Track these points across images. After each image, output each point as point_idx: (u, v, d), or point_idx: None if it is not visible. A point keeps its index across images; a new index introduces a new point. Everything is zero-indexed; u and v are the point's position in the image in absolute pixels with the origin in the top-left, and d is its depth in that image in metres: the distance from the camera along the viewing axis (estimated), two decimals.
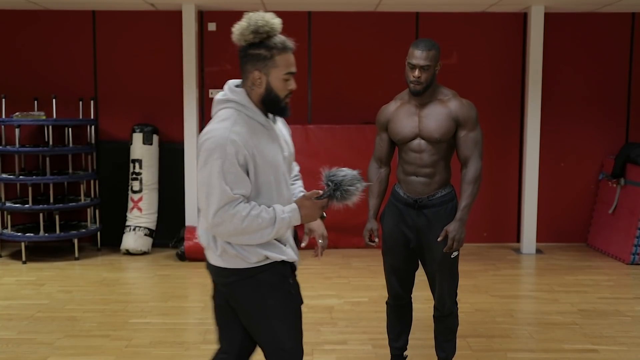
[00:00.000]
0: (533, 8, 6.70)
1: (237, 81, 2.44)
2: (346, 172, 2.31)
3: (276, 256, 2.40)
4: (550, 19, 6.96)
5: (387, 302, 3.66)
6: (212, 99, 7.09)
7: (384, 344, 4.22)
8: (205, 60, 7.08)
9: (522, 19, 7.08)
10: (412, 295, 3.64)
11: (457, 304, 3.53)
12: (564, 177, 7.25)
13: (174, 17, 6.95)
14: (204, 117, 7.09)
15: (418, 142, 3.30)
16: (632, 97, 7.19)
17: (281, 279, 2.45)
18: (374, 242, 3.48)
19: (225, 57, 7.06)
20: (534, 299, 5.35)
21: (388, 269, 3.52)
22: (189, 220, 6.82)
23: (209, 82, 7.11)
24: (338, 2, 6.68)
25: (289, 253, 2.46)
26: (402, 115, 3.34)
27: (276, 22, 2.35)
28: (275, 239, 2.40)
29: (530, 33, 6.78)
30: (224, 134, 2.25)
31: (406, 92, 3.41)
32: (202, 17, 7.01)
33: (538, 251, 6.89)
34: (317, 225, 2.58)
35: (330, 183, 2.29)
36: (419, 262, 3.51)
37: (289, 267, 2.49)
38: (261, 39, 2.33)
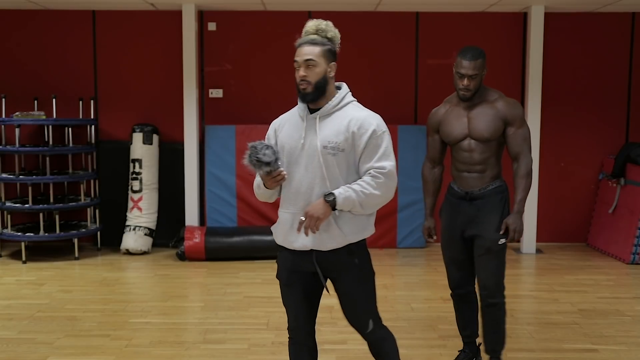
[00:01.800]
0: (533, 8, 6.71)
1: None
2: (255, 143, 2.68)
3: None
4: (550, 19, 6.96)
5: (450, 295, 3.78)
6: (212, 99, 7.17)
7: None
8: (205, 60, 7.08)
9: (522, 19, 7.08)
10: (474, 286, 3.70)
11: (504, 296, 3.57)
12: (564, 177, 7.25)
13: (174, 17, 6.95)
14: (204, 117, 7.10)
15: (468, 142, 3.50)
16: (632, 97, 7.19)
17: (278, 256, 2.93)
18: (432, 238, 3.70)
19: (225, 57, 7.07)
20: (534, 299, 5.35)
21: (447, 260, 3.69)
22: (189, 220, 6.83)
23: (209, 82, 7.11)
24: (338, 2, 6.68)
25: (276, 235, 2.89)
26: (452, 118, 3.54)
27: (309, 24, 2.78)
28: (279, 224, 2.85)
29: (530, 33, 6.78)
30: None
31: (454, 95, 3.60)
32: (202, 17, 7.01)
33: (538, 251, 6.89)
34: (312, 205, 2.70)
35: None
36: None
37: (281, 247, 2.87)
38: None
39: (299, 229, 2.69)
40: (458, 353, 3.84)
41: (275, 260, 3.01)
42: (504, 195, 3.51)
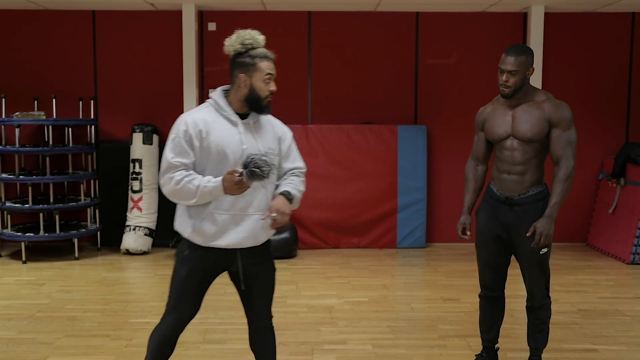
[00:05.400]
0: (533, 8, 6.71)
1: (227, 86, 2.96)
2: (255, 156, 2.70)
3: (186, 234, 2.92)
4: (550, 18, 6.96)
5: (479, 295, 3.76)
6: None
7: (384, 343, 4.23)
8: (205, 60, 7.08)
9: (522, 18, 7.08)
10: (504, 290, 3.71)
11: (549, 297, 3.61)
12: None
13: (174, 17, 6.95)
14: None
15: (511, 142, 3.46)
16: (632, 97, 7.19)
17: (183, 250, 2.95)
18: (466, 235, 3.65)
19: (225, 57, 7.04)
20: None
21: (481, 262, 3.66)
22: None
23: (209, 82, 7.10)
24: (338, 2, 6.68)
25: (196, 238, 2.87)
26: (497, 116, 3.54)
27: (260, 37, 2.91)
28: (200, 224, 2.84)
29: (530, 33, 6.78)
30: (183, 117, 2.89)
31: None
32: (202, 17, 7.01)
33: None
34: (278, 203, 2.82)
35: (242, 164, 2.71)
36: (511, 257, 3.64)
37: (200, 248, 2.87)
38: (246, 49, 2.88)
39: (273, 226, 2.81)
40: (475, 358, 3.82)
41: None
42: (545, 203, 3.45)
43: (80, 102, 6.89)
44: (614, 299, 5.26)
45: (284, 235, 6.43)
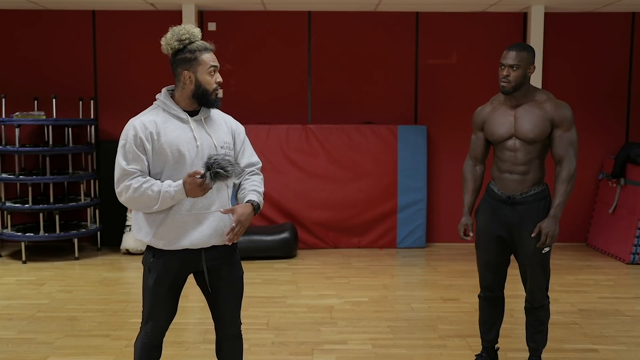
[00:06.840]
0: (533, 8, 6.71)
1: (171, 87, 2.87)
2: (218, 156, 2.66)
3: (147, 240, 2.88)
4: (550, 18, 6.96)
5: (479, 296, 3.75)
6: None
7: (384, 343, 4.23)
8: None
9: (522, 18, 7.08)
10: (504, 290, 3.71)
11: (548, 297, 3.61)
12: None
13: (174, 17, 6.95)
14: None
15: (513, 142, 3.44)
16: (632, 97, 7.19)
17: (149, 258, 2.92)
18: (468, 236, 3.63)
19: (225, 57, 7.06)
20: None
21: (481, 262, 3.65)
22: None
23: None
24: (338, 2, 6.68)
25: (158, 242, 2.85)
26: (498, 116, 3.50)
27: (196, 30, 2.79)
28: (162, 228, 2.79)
29: (530, 33, 6.79)
30: (131, 122, 2.75)
31: (501, 94, 3.57)
32: (202, 17, 7.01)
33: None
34: (244, 213, 2.74)
35: (205, 165, 2.65)
36: (511, 257, 3.63)
37: (162, 253, 2.85)
38: (184, 45, 2.75)
39: (230, 239, 2.72)
40: (475, 358, 3.83)
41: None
42: (547, 202, 3.45)
43: (80, 102, 6.89)
44: (614, 299, 5.26)
45: (284, 235, 6.42)
